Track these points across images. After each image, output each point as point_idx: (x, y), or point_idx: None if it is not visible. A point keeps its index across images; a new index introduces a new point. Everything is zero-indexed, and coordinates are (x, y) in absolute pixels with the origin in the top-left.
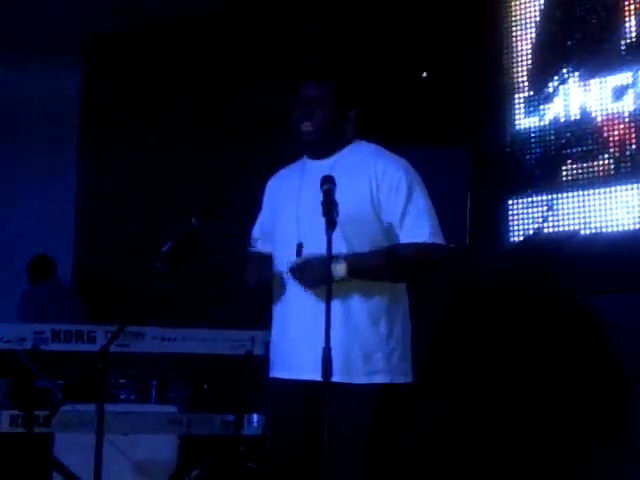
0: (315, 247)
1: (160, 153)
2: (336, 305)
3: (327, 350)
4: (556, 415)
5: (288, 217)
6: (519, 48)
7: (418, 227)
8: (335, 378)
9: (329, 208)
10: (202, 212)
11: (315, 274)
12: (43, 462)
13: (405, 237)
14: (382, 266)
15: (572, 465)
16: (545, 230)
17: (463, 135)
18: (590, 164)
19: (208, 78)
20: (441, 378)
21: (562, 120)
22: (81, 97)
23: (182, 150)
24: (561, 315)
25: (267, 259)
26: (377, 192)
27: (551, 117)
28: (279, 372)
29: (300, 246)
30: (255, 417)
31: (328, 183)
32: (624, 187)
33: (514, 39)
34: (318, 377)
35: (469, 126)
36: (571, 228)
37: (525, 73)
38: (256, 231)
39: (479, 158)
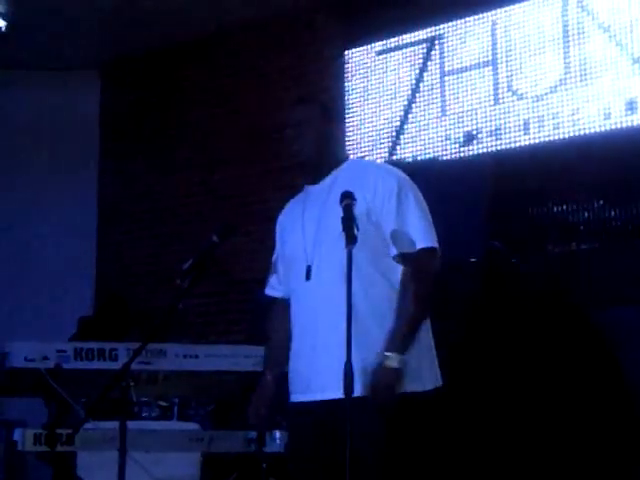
0: (323, 266)
1: (179, 170)
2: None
3: (349, 365)
4: (572, 426)
5: (295, 243)
6: None
7: (407, 236)
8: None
9: (349, 223)
10: (222, 229)
11: (386, 391)
12: None
13: (395, 246)
14: (412, 324)
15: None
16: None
17: None
18: None
19: (225, 95)
20: (459, 390)
21: None
22: (100, 116)
23: (202, 167)
24: (579, 326)
25: (282, 306)
26: (373, 204)
27: None
28: (295, 395)
29: (309, 269)
30: (277, 434)
31: (348, 198)
32: None
33: None
34: (335, 395)
35: None
36: None
37: None
38: (271, 271)
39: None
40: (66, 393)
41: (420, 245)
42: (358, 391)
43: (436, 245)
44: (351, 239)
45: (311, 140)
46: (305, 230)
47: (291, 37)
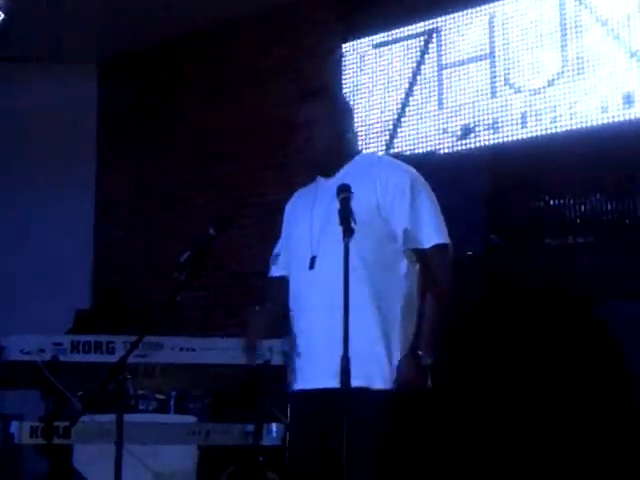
0: (327, 257)
1: (176, 164)
2: (350, 314)
3: (345, 358)
4: (573, 421)
5: (302, 233)
6: None
7: (421, 232)
8: (352, 383)
9: (346, 216)
10: (219, 221)
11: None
12: (63, 473)
13: (407, 242)
14: (437, 327)
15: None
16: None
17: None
18: None
19: (224, 89)
20: (458, 385)
21: None
22: (98, 110)
23: (199, 161)
24: (577, 320)
25: (279, 285)
26: (383, 200)
27: None
28: (296, 384)
29: (313, 259)
30: (274, 427)
31: (345, 191)
32: None
33: None
34: (332, 384)
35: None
36: None
37: None
38: (274, 254)
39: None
40: (63, 386)
41: (434, 241)
42: (355, 382)
43: (448, 241)
44: (348, 232)
45: (323, 141)
46: (313, 222)
47: (290, 31)
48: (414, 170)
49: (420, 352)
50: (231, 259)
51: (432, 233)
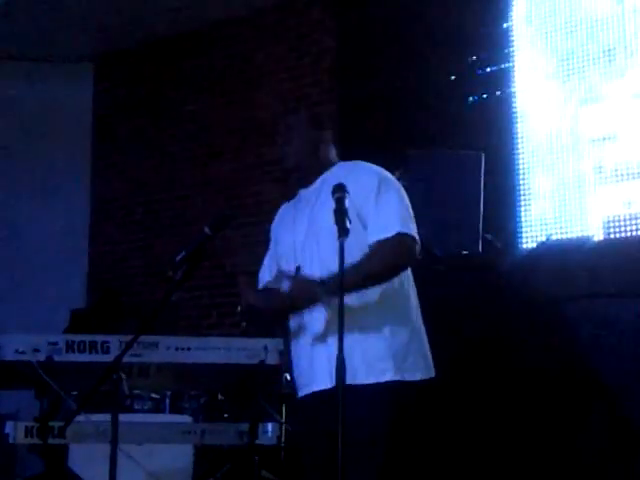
0: (313, 264)
1: (173, 163)
2: (334, 315)
3: (340, 357)
4: (571, 419)
5: (286, 244)
6: None
7: (383, 223)
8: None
9: (341, 215)
10: (215, 221)
11: (301, 295)
12: (58, 473)
13: (371, 235)
14: (357, 280)
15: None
16: (556, 237)
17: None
18: None
19: (219, 87)
20: (454, 381)
21: None
22: (93, 108)
23: (194, 160)
24: (574, 318)
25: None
26: (355, 202)
27: None
28: (299, 391)
29: (298, 268)
30: (269, 426)
31: (340, 191)
32: None
33: None
34: (329, 384)
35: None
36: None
37: None
38: (263, 272)
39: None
40: (58, 386)
41: (395, 230)
42: (351, 380)
43: (413, 233)
44: (343, 231)
45: (297, 146)
46: (296, 231)
47: (286, 29)
48: (385, 172)
49: (324, 283)
50: (227, 258)
51: (396, 224)
